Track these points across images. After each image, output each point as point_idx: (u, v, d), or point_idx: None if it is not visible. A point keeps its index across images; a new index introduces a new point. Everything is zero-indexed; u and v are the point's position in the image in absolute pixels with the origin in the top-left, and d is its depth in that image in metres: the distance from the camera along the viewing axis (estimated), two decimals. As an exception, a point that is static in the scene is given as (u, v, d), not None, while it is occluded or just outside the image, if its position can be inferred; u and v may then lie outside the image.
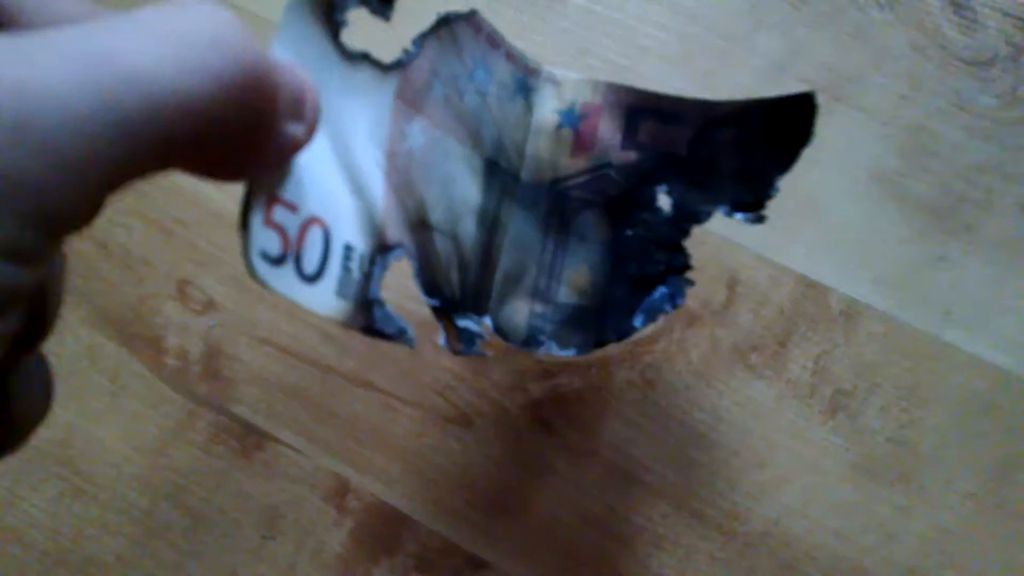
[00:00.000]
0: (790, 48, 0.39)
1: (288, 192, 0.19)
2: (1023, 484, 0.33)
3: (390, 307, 0.23)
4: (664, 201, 0.29)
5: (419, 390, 0.35)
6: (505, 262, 0.29)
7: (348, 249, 0.22)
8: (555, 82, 0.31)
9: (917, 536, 0.33)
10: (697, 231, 0.37)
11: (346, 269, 0.22)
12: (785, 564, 0.33)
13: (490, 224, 0.29)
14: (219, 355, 0.37)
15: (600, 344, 0.27)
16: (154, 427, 0.36)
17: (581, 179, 0.30)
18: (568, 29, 0.40)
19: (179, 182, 0.39)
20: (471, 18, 0.28)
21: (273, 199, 0.19)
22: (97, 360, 0.37)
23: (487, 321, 0.28)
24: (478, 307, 0.28)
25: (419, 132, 0.27)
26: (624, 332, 0.28)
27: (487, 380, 0.35)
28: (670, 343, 0.35)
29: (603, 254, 0.29)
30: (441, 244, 0.27)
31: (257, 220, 0.18)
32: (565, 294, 0.29)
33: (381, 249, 0.24)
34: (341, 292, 0.21)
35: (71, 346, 0.37)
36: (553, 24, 0.40)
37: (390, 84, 0.26)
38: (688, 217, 0.27)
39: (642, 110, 0.30)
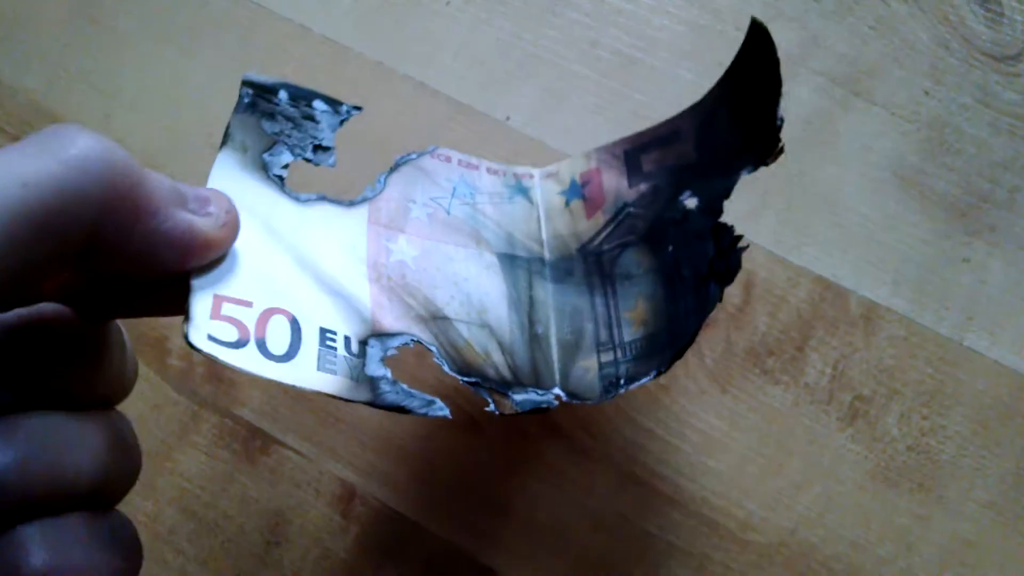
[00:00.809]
0: (807, 40, 0.38)
1: (237, 291, 0.22)
2: (1046, 493, 0.32)
3: (404, 385, 0.23)
4: (691, 203, 0.28)
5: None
6: (558, 334, 0.29)
7: (326, 331, 0.24)
8: (550, 174, 0.32)
9: (935, 546, 0.32)
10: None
11: (327, 348, 0.23)
12: (801, 574, 0.32)
13: (527, 307, 0.29)
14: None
15: (678, 355, 0.26)
16: (158, 431, 0.35)
17: (606, 232, 0.30)
18: (578, 20, 0.39)
19: (182, 176, 0.38)
20: (434, 153, 0.30)
21: (220, 298, 0.21)
22: (99, 362, 0.36)
23: (557, 392, 0.28)
24: (539, 383, 0.28)
25: (407, 245, 0.28)
26: (693, 330, 0.27)
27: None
28: (684, 347, 0.34)
29: (654, 280, 0.29)
30: (468, 332, 0.28)
31: (202, 313, 0.20)
32: (630, 333, 0.28)
33: (376, 334, 0.25)
34: (324, 367, 0.22)
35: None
36: (563, 16, 0.39)
37: (358, 214, 0.28)
38: (717, 200, 0.26)
39: (638, 148, 0.30)
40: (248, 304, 0.22)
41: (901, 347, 0.34)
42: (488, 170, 0.31)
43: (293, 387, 0.22)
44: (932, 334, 0.34)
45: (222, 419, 0.35)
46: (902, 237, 0.35)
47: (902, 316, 0.34)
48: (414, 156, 0.30)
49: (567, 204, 0.31)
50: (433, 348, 0.26)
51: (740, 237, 0.25)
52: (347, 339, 0.24)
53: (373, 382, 0.23)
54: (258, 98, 0.26)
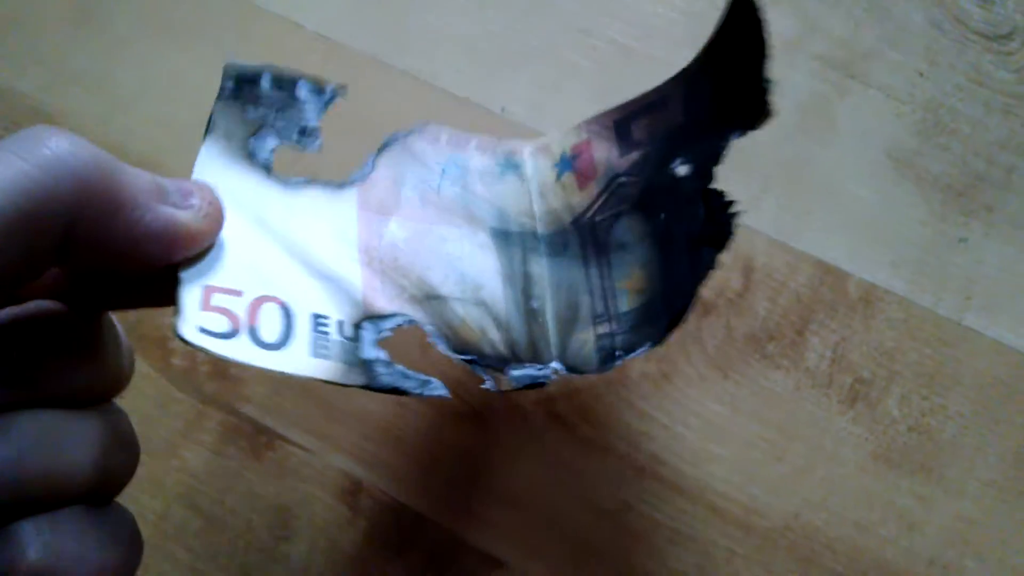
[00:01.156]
0: (804, 25, 0.38)
1: (226, 281, 0.22)
2: (1047, 471, 0.32)
3: (401, 366, 0.23)
4: (683, 169, 0.28)
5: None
6: (554, 308, 0.29)
7: (319, 317, 0.24)
8: (541, 149, 0.31)
9: (938, 526, 0.32)
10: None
11: (320, 333, 0.23)
12: (805, 557, 0.32)
13: (522, 283, 0.29)
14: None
15: (674, 322, 0.26)
16: (164, 429, 0.36)
17: (599, 203, 0.30)
18: (572, 10, 0.39)
19: (183, 174, 0.38)
20: (423, 131, 0.30)
21: (210, 288, 0.21)
22: (103, 362, 0.36)
23: (555, 366, 0.27)
24: (537, 358, 0.28)
25: (398, 228, 0.28)
26: (688, 294, 0.26)
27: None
28: (685, 334, 0.35)
29: (648, 248, 0.28)
30: (464, 311, 0.28)
31: (192, 305, 0.20)
32: (625, 303, 0.28)
33: (369, 316, 0.25)
34: (318, 353, 0.22)
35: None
36: (556, 5, 0.39)
37: (348, 198, 0.28)
38: (707, 164, 0.26)
39: (627, 117, 0.30)
40: (238, 293, 0.22)
41: (900, 329, 0.34)
42: (478, 147, 0.31)
43: (286, 374, 0.22)
44: (931, 315, 0.34)
45: (227, 416, 0.36)
46: (900, 219, 0.35)
47: (901, 298, 0.34)
48: (402, 134, 0.30)
49: (559, 177, 0.31)
50: (428, 328, 0.26)
51: (732, 202, 0.25)
52: (340, 323, 0.24)
53: (368, 365, 0.23)
54: (241, 84, 0.26)
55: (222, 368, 0.36)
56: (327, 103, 0.28)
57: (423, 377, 0.23)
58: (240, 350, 0.21)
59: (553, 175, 0.31)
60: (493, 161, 0.31)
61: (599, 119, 0.31)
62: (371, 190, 0.28)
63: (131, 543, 0.20)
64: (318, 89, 0.28)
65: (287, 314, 0.23)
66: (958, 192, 0.36)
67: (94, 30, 0.41)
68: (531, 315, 0.29)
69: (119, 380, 0.22)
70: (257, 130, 0.26)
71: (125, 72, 0.40)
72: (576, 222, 0.30)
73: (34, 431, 0.18)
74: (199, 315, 0.20)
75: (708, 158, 0.26)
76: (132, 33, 0.41)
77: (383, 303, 0.26)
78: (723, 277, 0.35)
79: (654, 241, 0.28)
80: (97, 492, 0.19)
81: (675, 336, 0.34)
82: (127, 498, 0.20)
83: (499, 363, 0.27)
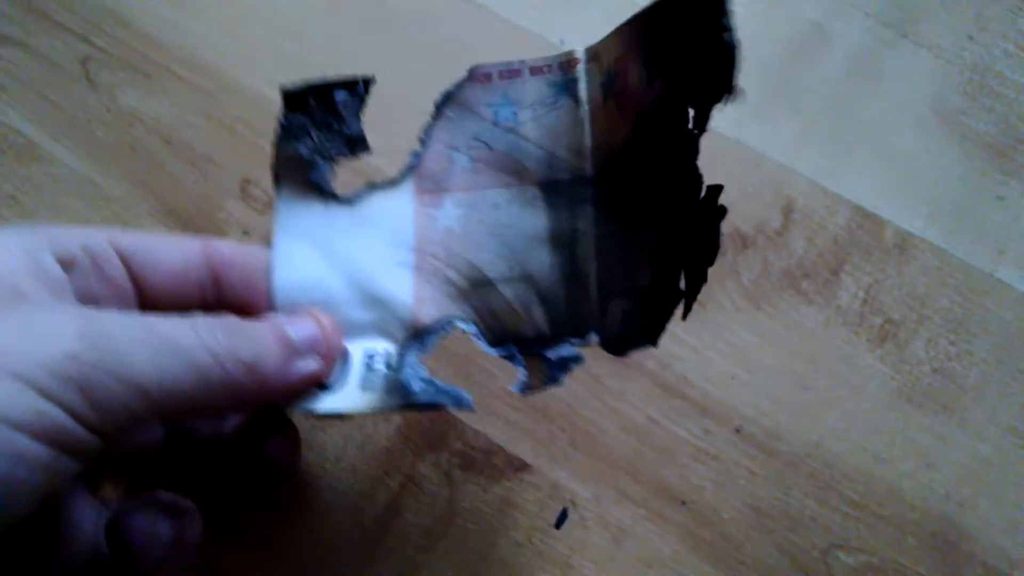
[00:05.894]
0: (859, -18, 0.39)
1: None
2: (1066, 421, 0.33)
3: (439, 382, 0.26)
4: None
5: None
6: (596, 270, 0.28)
7: (369, 356, 0.27)
8: (594, 56, 0.28)
9: (955, 464, 0.33)
10: (752, 155, 0.37)
11: (369, 368, 0.27)
12: (823, 484, 0.33)
13: (568, 242, 0.28)
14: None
15: (660, 328, 0.26)
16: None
17: (631, 147, 0.27)
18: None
19: (243, 84, 0.40)
20: (473, 76, 0.29)
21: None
22: (159, 251, 0.38)
23: (593, 339, 0.28)
24: (578, 330, 0.28)
25: (452, 207, 0.29)
26: (673, 304, 0.26)
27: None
28: (722, 264, 0.36)
29: (658, 225, 0.27)
30: (509, 292, 0.29)
31: None
32: (646, 279, 0.27)
33: (415, 335, 0.28)
34: (365, 387, 0.26)
35: (135, 236, 0.38)
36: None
37: (405, 190, 0.29)
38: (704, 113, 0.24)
39: (652, 29, 0.26)
40: None
41: (933, 276, 0.35)
42: (532, 70, 0.29)
43: (339, 412, 0.26)
44: (964, 265, 0.35)
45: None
46: (940, 173, 0.36)
47: (936, 247, 0.35)
48: (453, 88, 0.29)
49: (606, 99, 0.28)
50: (472, 328, 0.28)
51: (725, 211, 0.24)
52: (388, 354, 0.27)
53: (407, 387, 0.26)
54: (291, 116, 0.28)
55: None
56: (363, 100, 0.28)
57: (456, 393, 0.26)
58: (308, 402, 0.25)
59: (601, 95, 0.28)
60: (547, 84, 0.30)
61: (632, 26, 0.27)
62: (425, 170, 0.29)
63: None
64: (351, 89, 0.28)
65: (345, 357, 0.27)
66: (999, 152, 0.37)
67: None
68: (576, 281, 0.28)
69: None
70: (313, 164, 0.28)
71: (199, -18, 0.42)
72: (613, 165, 0.28)
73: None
74: None
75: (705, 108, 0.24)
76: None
77: (431, 311, 0.28)
78: (763, 214, 0.36)
79: (664, 219, 0.26)
80: None
81: (712, 266, 0.35)
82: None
83: (539, 346, 0.28)
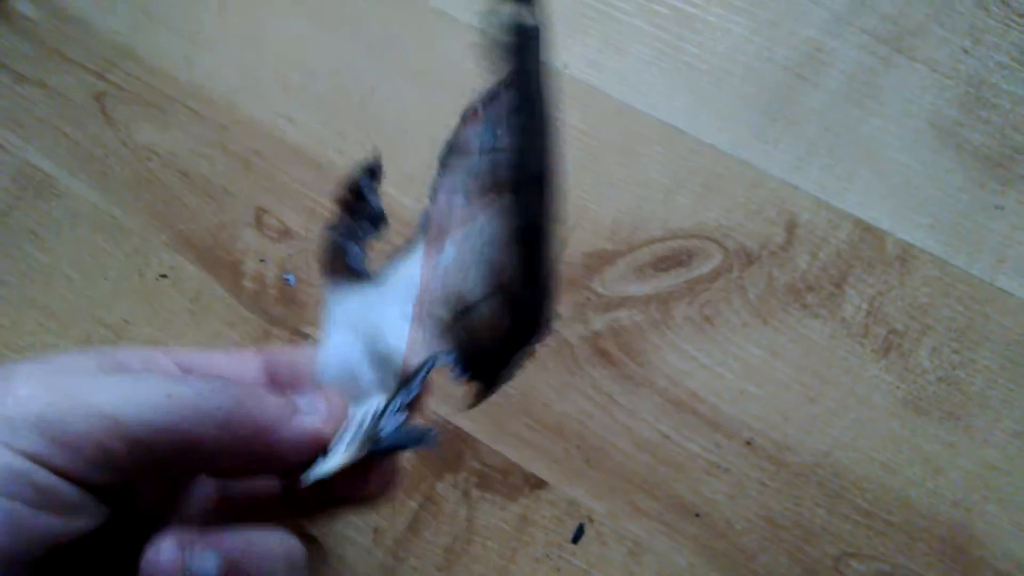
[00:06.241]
0: (855, 1, 0.40)
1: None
2: (1069, 426, 0.34)
3: (410, 424, 0.26)
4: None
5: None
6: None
7: (364, 417, 0.27)
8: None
9: (962, 471, 0.34)
10: (755, 174, 0.38)
11: (359, 427, 0.27)
12: (833, 493, 0.34)
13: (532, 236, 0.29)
14: (295, 280, 0.38)
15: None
16: (232, 345, 0.38)
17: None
18: (635, -23, 0.41)
19: (255, 116, 0.41)
20: (464, 119, 0.29)
21: None
22: (179, 282, 0.39)
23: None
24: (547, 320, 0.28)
25: (450, 247, 0.30)
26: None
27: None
28: (728, 281, 0.37)
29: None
30: (488, 307, 0.29)
31: None
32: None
33: (403, 382, 0.28)
34: (349, 446, 0.26)
35: (155, 268, 0.39)
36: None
37: (418, 250, 0.30)
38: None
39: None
40: None
41: (935, 286, 0.36)
42: (507, 86, 0.29)
43: (326, 471, 0.25)
44: (965, 275, 0.36)
45: (291, 336, 0.38)
46: (939, 185, 0.37)
47: (937, 257, 0.36)
48: (452, 137, 0.30)
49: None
50: (450, 359, 0.28)
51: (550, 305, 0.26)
52: (377, 411, 0.27)
53: (377, 436, 0.26)
54: (345, 205, 0.29)
55: (289, 293, 0.38)
56: (376, 178, 0.30)
57: (420, 430, 0.26)
58: (315, 470, 0.26)
59: None
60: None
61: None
62: (434, 220, 0.30)
63: None
64: (368, 171, 0.30)
65: (347, 427, 0.27)
66: (996, 163, 0.37)
67: (181, -24, 0.44)
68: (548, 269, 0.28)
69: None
70: (347, 250, 0.29)
71: (206, 15, 0.43)
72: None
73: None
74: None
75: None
76: (217, -19, 0.43)
77: (419, 354, 0.28)
78: (767, 231, 0.37)
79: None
80: None
81: (719, 283, 0.36)
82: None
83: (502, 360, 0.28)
